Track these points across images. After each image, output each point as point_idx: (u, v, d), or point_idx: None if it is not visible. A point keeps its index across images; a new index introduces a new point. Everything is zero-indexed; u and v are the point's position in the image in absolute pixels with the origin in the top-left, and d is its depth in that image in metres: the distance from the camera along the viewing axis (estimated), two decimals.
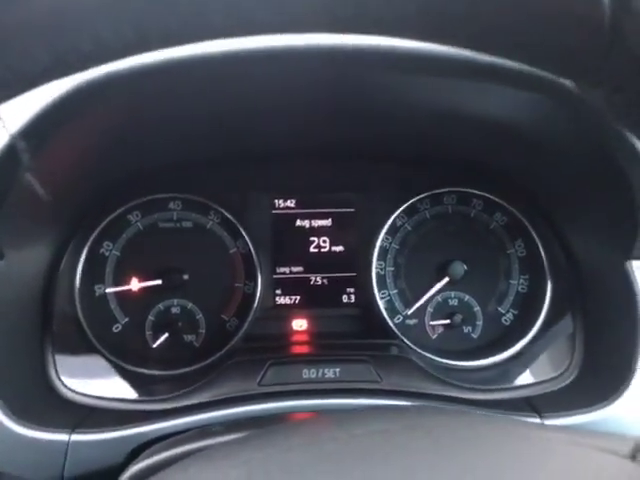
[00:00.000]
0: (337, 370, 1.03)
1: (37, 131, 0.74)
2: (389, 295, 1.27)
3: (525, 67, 0.77)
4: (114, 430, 0.90)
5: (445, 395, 1.02)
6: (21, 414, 0.87)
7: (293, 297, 1.27)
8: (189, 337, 1.22)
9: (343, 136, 1.11)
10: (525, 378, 1.15)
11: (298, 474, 0.47)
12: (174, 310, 1.22)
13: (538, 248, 1.23)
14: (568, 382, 1.09)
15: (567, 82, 0.76)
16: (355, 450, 0.50)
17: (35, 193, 0.87)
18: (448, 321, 1.25)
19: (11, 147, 0.70)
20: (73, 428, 0.89)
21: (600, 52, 0.37)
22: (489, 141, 1.06)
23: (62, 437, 0.87)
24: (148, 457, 0.77)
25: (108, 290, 1.19)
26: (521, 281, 1.27)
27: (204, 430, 0.81)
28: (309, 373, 1.03)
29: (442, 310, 1.26)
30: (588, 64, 0.39)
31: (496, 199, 1.26)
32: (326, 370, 1.03)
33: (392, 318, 1.25)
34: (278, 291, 1.27)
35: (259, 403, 0.95)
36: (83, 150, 0.88)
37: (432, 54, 0.73)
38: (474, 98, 0.88)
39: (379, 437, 0.51)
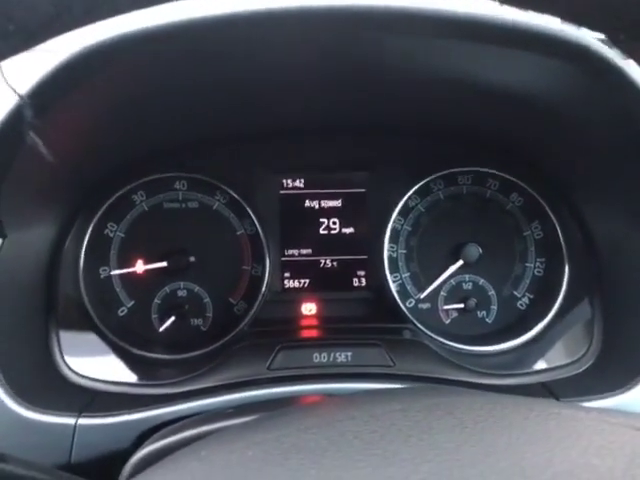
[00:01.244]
0: (349, 354, 1.01)
1: (42, 94, 0.71)
2: (401, 278, 1.24)
3: (551, 29, 0.73)
4: (121, 414, 0.88)
5: (460, 380, 0.99)
6: (27, 398, 0.86)
7: (302, 280, 1.24)
8: (196, 321, 1.20)
9: (354, 109, 1.06)
10: (541, 363, 1.12)
11: (317, 454, 0.44)
12: (180, 293, 1.20)
13: (555, 230, 1.19)
14: (586, 367, 1.06)
15: (594, 43, 0.72)
16: (376, 429, 0.47)
17: (39, 168, 0.85)
18: (462, 305, 1.22)
19: (16, 110, 0.67)
20: (80, 412, 0.87)
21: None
22: (507, 116, 1.02)
23: (69, 421, 0.86)
24: (157, 440, 0.75)
25: (113, 272, 1.17)
26: (537, 264, 1.23)
27: (214, 414, 0.79)
28: (320, 357, 1.00)
29: (456, 294, 1.23)
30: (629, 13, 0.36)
31: (513, 179, 1.22)
32: (337, 354, 1.00)
33: (404, 302, 1.22)
34: (287, 274, 1.24)
35: (269, 387, 0.92)
36: (87, 122, 0.85)
37: (451, 16, 0.69)
38: (494, 67, 0.83)
39: (400, 416, 0.48)
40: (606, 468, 0.41)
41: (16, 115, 0.68)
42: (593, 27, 0.41)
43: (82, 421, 0.86)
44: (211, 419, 0.73)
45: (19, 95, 0.70)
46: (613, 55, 0.74)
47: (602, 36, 0.71)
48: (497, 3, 0.38)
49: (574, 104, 0.88)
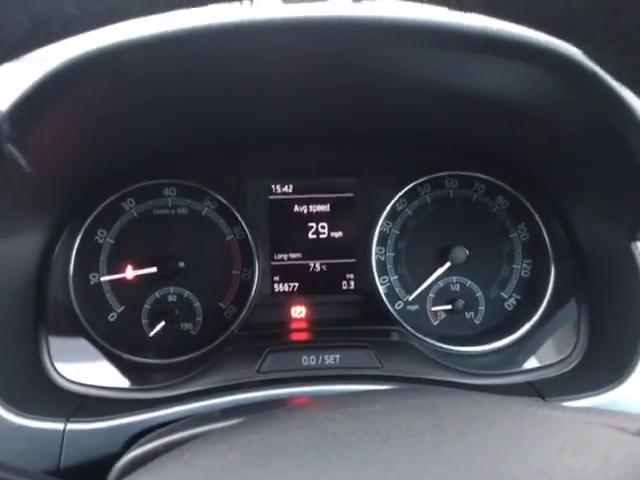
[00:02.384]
0: (337, 356, 1.01)
1: (21, 109, 0.71)
2: (389, 281, 1.25)
3: (529, 37, 0.75)
4: (110, 419, 0.88)
5: (447, 381, 1.00)
6: (15, 403, 0.86)
7: (291, 284, 1.25)
8: (186, 325, 1.21)
9: (341, 117, 1.08)
10: (529, 363, 1.13)
11: (296, 455, 0.45)
12: (170, 298, 1.20)
13: (541, 232, 1.21)
14: (572, 366, 1.08)
15: (572, 51, 0.74)
16: (354, 430, 0.48)
17: (24, 175, 0.85)
18: (450, 307, 1.23)
19: None
20: (68, 417, 0.87)
21: (609, 8, 0.35)
22: (492, 122, 1.03)
23: (57, 426, 0.86)
24: (144, 444, 0.75)
25: (103, 278, 1.17)
26: (524, 265, 1.25)
27: (201, 417, 0.79)
28: (309, 360, 1.01)
29: (444, 296, 1.24)
30: (597, 22, 0.37)
31: (498, 182, 1.23)
32: (326, 356, 1.01)
33: (393, 304, 1.23)
34: (276, 278, 1.24)
35: (258, 390, 0.93)
36: (69, 135, 0.85)
37: (436, 26, 0.70)
38: (479, 74, 0.84)
39: (379, 417, 0.49)
40: (580, 467, 0.42)
41: None
42: (556, 35, 0.42)
43: (71, 426, 0.86)
44: (198, 422, 0.73)
45: None
46: (592, 63, 0.76)
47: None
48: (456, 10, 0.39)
49: (556, 111, 0.90)
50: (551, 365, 1.09)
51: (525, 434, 0.48)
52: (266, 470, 0.44)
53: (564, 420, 0.52)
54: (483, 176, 1.24)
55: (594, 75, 0.77)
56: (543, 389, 0.99)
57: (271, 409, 0.60)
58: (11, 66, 0.41)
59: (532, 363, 1.12)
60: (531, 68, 0.78)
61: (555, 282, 1.19)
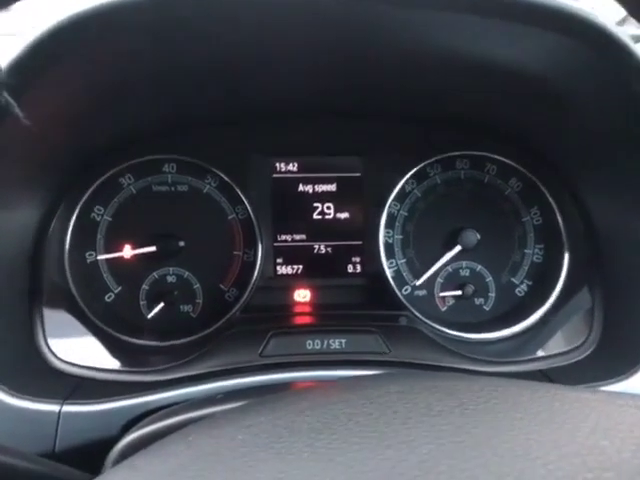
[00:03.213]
0: (343, 341, 0.98)
1: (20, 70, 0.67)
2: (397, 265, 1.21)
3: (557, 3, 0.70)
4: (107, 402, 0.86)
5: (457, 367, 0.97)
6: (9, 384, 0.83)
7: (295, 266, 1.21)
8: (185, 307, 1.17)
9: (348, 90, 1.03)
10: (540, 351, 1.10)
11: (310, 436, 0.41)
12: (170, 279, 1.17)
13: (555, 216, 1.17)
14: (585, 355, 1.04)
15: (598, 20, 0.70)
16: (371, 412, 0.44)
17: (20, 146, 0.81)
18: (459, 292, 1.20)
19: None
20: (64, 399, 0.85)
21: None
22: (509, 98, 0.99)
23: (53, 408, 0.83)
24: (144, 427, 0.72)
25: (100, 257, 1.14)
26: (536, 250, 1.21)
27: (203, 400, 0.75)
28: (313, 344, 0.97)
29: (453, 281, 1.21)
30: None
31: (511, 163, 1.19)
32: (331, 341, 0.98)
33: (400, 289, 1.19)
34: (279, 260, 1.21)
35: (260, 374, 0.90)
36: (68, 97, 0.81)
37: None
38: (500, 42, 0.79)
39: (396, 398, 0.45)
40: (615, 450, 0.39)
41: None
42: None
43: (67, 408, 0.83)
44: (200, 405, 0.70)
45: None
46: (619, 31, 0.72)
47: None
48: None
49: (577, 83, 0.85)
50: (564, 353, 1.06)
51: (554, 416, 0.45)
52: (277, 451, 0.40)
53: (594, 402, 0.48)
54: (495, 157, 1.20)
55: (623, 44, 0.72)
56: (555, 377, 0.96)
57: (278, 392, 0.56)
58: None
59: (544, 351, 1.09)
60: (554, 36, 0.74)
61: (568, 268, 1.16)
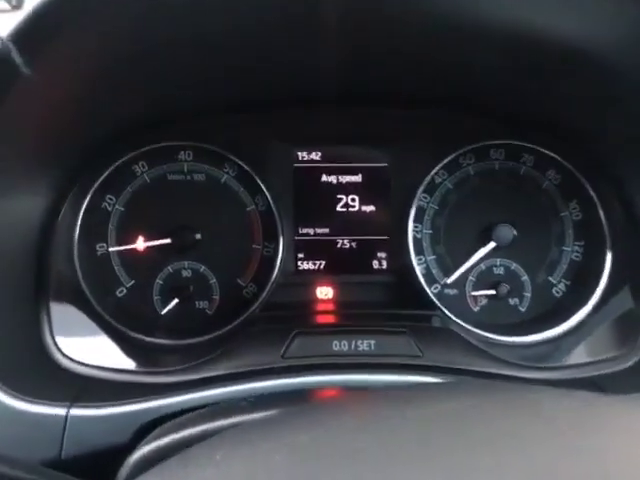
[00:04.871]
0: (372, 342, 0.91)
1: (31, 38, 0.62)
2: (426, 262, 1.15)
3: None
4: (117, 405, 0.82)
5: (498, 373, 0.90)
6: (14, 385, 0.79)
7: (317, 262, 1.15)
8: (201, 304, 1.13)
9: (376, 74, 0.96)
10: (581, 356, 1.03)
11: (368, 462, 0.33)
12: (185, 273, 1.12)
13: (597, 211, 1.10)
14: (633, 362, 0.97)
15: None
16: (435, 430, 0.37)
17: (29, 125, 0.76)
18: (493, 292, 1.13)
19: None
20: (72, 401, 0.81)
21: None
22: (552, 80, 0.91)
23: (60, 411, 0.79)
24: (161, 437, 0.66)
25: (111, 249, 1.10)
26: (575, 248, 1.15)
27: (226, 406, 0.68)
28: (340, 345, 0.91)
29: (486, 279, 1.14)
30: None
31: (550, 154, 1.12)
32: (359, 342, 0.91)
33: (429, 287, 1.12)
34: (301, 255, 1.15)
35: (284, 377, 0.84)
36: (82, 71, 0.75)
37: None
38: (550, 15, 0.72)
39: (471, 413, 0.38)
40: None
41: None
42: None
43: (74, 412, 0.79)
44: (224, 412, 0.63)
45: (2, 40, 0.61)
46: None
47: None
48: None
49: (631, 60, 0.77)
50: (608, 360, 0.99)
51: (624, 435, 0.37)
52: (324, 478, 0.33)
53: None
54: (532, 146, 1.13)
55: None
56: (607, 386, 0.88)
57: (313, 400, 0.49)
58: None
59: (585, 357, 1.03)
60: (611, 5, 0.66)
61: (611, 267, 1.08)
